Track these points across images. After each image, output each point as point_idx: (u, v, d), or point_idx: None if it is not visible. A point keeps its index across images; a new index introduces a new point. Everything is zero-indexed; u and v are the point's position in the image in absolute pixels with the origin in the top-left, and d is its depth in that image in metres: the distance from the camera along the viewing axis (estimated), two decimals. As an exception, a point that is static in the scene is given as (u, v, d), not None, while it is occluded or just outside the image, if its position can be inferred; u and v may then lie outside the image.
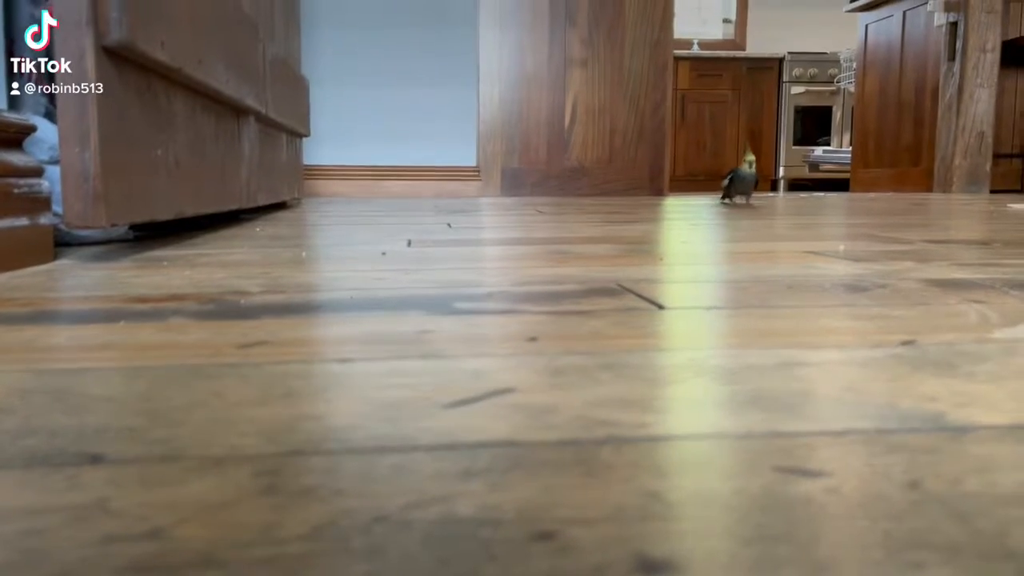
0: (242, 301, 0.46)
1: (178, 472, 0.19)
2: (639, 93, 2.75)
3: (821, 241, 0.84)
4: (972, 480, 0.19)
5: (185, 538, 0.16)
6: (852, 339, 0.34)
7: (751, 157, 1.65)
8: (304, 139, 2.06)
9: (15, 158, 0.66)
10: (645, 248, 0.81)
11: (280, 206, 1.75)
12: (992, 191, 3.19)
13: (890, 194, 3.12)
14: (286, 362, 0.31)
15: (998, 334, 0.35)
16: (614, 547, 0.15)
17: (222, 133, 1.09)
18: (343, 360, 0.32)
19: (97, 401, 0.26)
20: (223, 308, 0.44)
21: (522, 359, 0.31)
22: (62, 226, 0.73)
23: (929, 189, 3.29)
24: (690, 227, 1.16)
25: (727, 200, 1.76)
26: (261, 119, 1.37)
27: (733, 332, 0.37)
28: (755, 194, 1.97)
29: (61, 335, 0.38)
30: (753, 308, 0.43)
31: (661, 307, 0.43)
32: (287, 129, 1.70)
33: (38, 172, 0.68)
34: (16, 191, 0.64)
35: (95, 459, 0.20)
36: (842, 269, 0.59)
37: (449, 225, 1.14)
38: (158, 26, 0.73)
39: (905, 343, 0.33)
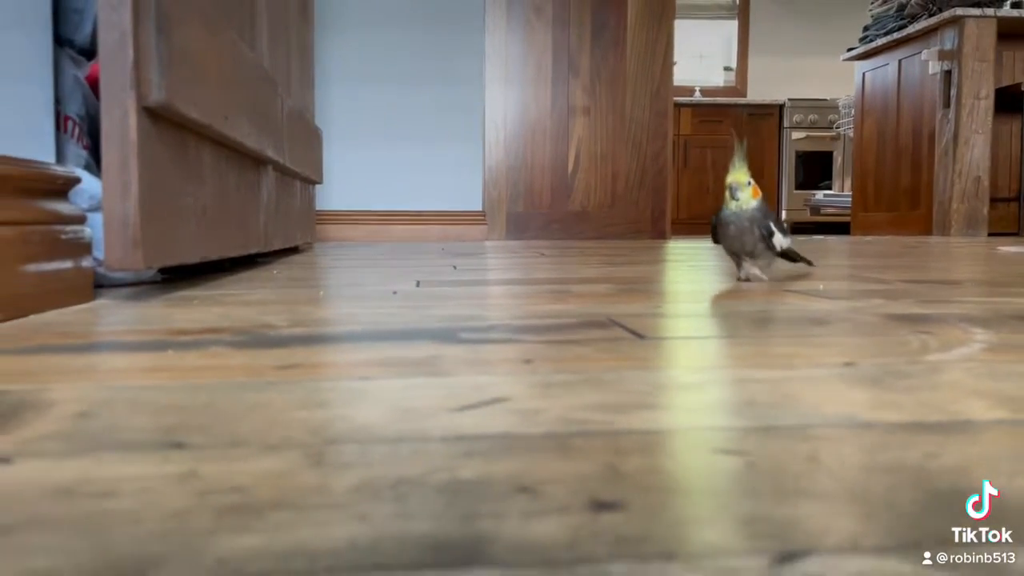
0: (271, 333, 0.52)
1: (245, 453, 0.25)
2: (640, 139, 2.83)
3: (804, 281, 0.89)
4: (862, 457, 0.24)
5: (261, 491, 0.21)
6: (801, 361, 0.40)
7: (738, 177, 0.82)
8: (316, 185, 2.13)
9: (62, 207, 0.72)
10: (638, 288, 0.87)
11: (293, 250, 1.82)
12: (990, 234, 3.25)
13: (888, 237, 3.18)
14: (317, 380, 0.37)
15: (930, 357, 0.41)
16: (575, 495, 0.21)
17: (244, 182, 1.16)
18: (364, 378, 0.37)
19: (167, 408, 0.32)
20: (256, 339, 0.50)
21: (517, 376, 0.37)
22: (99, 269, 0.79)
23: (928, 232, 3.35)
24: (683, 269, 1.22)
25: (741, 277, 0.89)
26: (278, 168, 1.45)
27: (698, 356, 0.43)
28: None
29: (120, 361, 0.44)
30: (722, 338, 0.49)
31: (642, 337, 0.48)
32: (301, 177, 1.77)
33: (81, 220, 0.75)
34: (63, 237, 0.71)
35: (178, 445, 0.26)
36: (814, 306, 0.64)
37: (455, 267, 1.20)
38: (192, 87, 0.80)
39: (846, 364, 0.38)
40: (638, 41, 2.82)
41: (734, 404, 0.31)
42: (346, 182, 2.55)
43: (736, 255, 0.87)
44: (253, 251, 1.24)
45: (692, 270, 1.20)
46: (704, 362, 0.41)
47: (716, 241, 0.88)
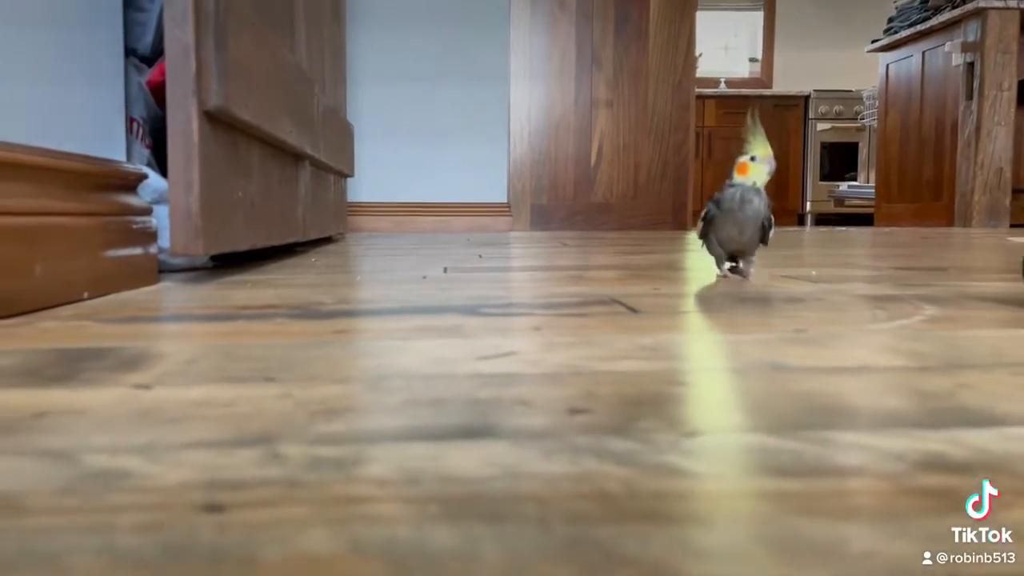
0: (322, 308, 0.61)
1: (321, 384, 0.34)
2: (663, 131, 2.90)
3: (800, 268, 0.97)
4: (769, 385, 0.33)
5: (337, 403, 0.30)
6: (760, 329, 0.48)
7: (760, 150, 0.72)
8: (348, 179, 2.23)
9: (133, 200, 0.82)
10: (645, 273, 0.95)
11: (327, 240, 1.92)
12: (1012, 225, 3.27)
13: (909, 228, 3.22)
14: (365, 340, 0.46)
15: (872, 326, 0.49)
16: (559, 406, 0.30)
17: (285, 177, 1.26)
18: (404, 339, 0.46)
19: (253, 358, 0.41)
20: (309, 312, 0.59)
21: (527, 339, 0.46)
22: (161, 256, 0.89)
23: (950, 223, 3.38)
24: (693, 257, 1.30)
25: (719, 271, 0.81)
26: (315, 163, 1.55)
27: (677, 325, 0.51)
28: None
29: (202, 327, 0.53)
30: (703, 312, 0.57)
31: (636, 311, 0.57)
32: (335, 171, 1.87)
33: (149, 211, 0.85)
34: (134, 227, 0.80)
35: (270, 379, 0.35)
36: (798, 288, 0.72)
37: (480, 256, 1.29)
38: (245, 93, 0.90)
39: (797, 331, 0.47)
40: (660, 34, 2.88)
41: (692, 356, 0.39)
42: (375, 175, 2.64)
43: (723, 246, 0.76)
44: (293, 240, 1.34)
45: (700, 258, 1.27)
46: (680, 329, 0.49)
47: (704, 235, 0.77)
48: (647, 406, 0.29)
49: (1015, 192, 3.33)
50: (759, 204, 0.72)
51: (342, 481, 0.21)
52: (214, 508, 0.19)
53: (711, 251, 0.79)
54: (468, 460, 0.23)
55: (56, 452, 0.24)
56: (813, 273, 0.90)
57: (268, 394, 0.32)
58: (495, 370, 0.37)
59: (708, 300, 0.64)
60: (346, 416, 0.29)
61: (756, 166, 0.72)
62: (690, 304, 0.63)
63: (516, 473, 0.22)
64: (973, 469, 0.22)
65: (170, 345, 0.45)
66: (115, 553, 0.17)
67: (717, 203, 0.74)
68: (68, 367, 0.38)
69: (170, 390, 0.33)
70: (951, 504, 0.19)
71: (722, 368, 0.36)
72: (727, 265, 0.79)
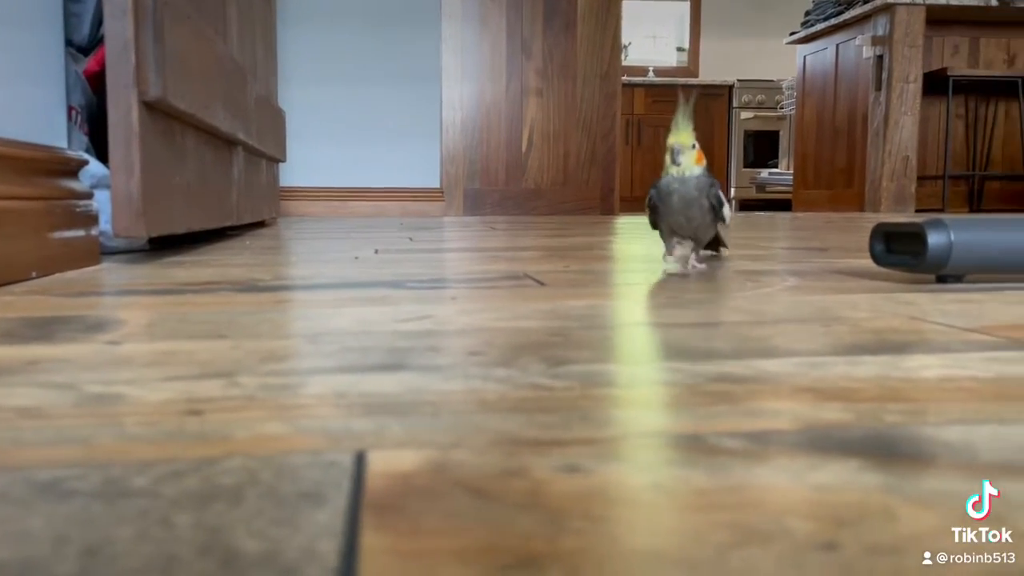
0: (261, 283, 0.68)
1: (266, 339, 0.41)
2: (591, 120, 2.99)
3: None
4: (639, 329, 0.41)
5: (282, 352, 0.37)
6: (639, 297, 0.56)
7: (681, 138, 0.70)
8: (280, 164, 2.26)
9: (75, 185, 0.86)
10: (563, 254, 1.04)
11: (260, 224, 1.95)
12: (917, 210, 3.48)
13: (821, 213, 3.39)
14: (302, 308, 0.53)
15: (738, 294, 0.58)
16: (461, 350, 0.37)
17: (219, 162, 1.30)
18: (336, 307, 0.53)
19: (205, 322, 0.47)
20: (250, 287, 0.65)
21: (443, 306, 0.53)
22: (101, 238, 0.93)
23: (862, 209, 3.57)
24: (612, 239, 1.39)
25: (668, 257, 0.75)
26: (247, 148, 1.59)
27: (571, 295, 0.60)
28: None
29: (153, 300, 0.59)
30: (601, 285, 0.65)
31: (543, 284, 0.65)
32: (267, 156, 1.91)
33: (90, 196, 0.89)
34: (77, 210, 0.85)
35: (222, 336, 0.42)
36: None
37: (411, 239, 1.35)
38: (181, 83, 0.95)
39: (670, 298, 0.55)
40: (588, 25, 2.97)
41: (578, 317, 0.47)
42: (308, 160, 2.67)
43: (676, 233, 0.73)
44: (228, 224, 1.38)
45: (618, 241, 1.37)
46: (576, 298, 0.57)
47: (655, 225, 0.75)
48: (530, 349, 0.37)
49: (920, 179, 3.54)
50: (696, 188, 0.70)
51: (288, 396, 0.29)
52: (195, 412, 0.26)
53: (663, 239, 0.75)
54: (384, 383, 0.30)
55: (59, 384, 0.30)
56: (710, 253, 0.99)
57: (222, 347, 0.39)
58: (413, 329, 0.44)
59: (608, 275, 0.73)
60: (289, 360, 0.36)
61: (688, 154, 0.70)
62: (588, 279, 0.72)
63: (420, 389, 0.29)
64: (749, 381, 0.30)
65: (127, 314, 0.51)
66: (128, 437, 0.24)
67: (657, 191, 0.73)
68: (41, 330, 0.44)
69: (138, 345, 0.40)
70: (721, 399, 0.28)
71: (599, 326, 0.44)
72: (678, 252, 0.74)
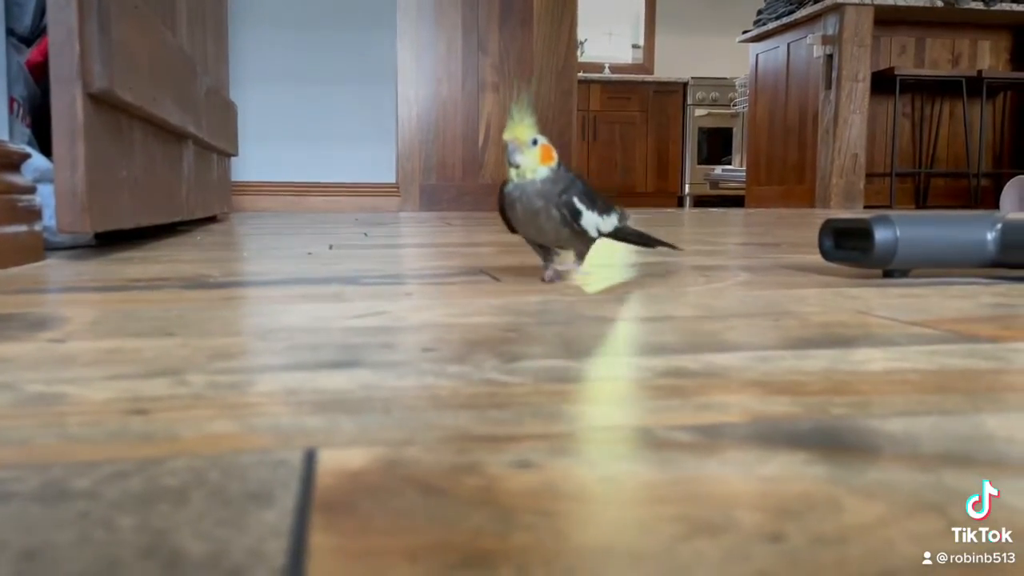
0: (211, 280, 0.66)
1: (216, 336, 0.40)
2: (547, 116, 2.99)
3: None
4: (583, 328, 0.41)
5: (232, 349, 0.37)
6: (600, 293, 0.57)
7: (516, 132, 0.57)
8: (232, 158, 2.23)
9: (17, 179, 0.84)
10: (521, 249, 1.04)
11: (212, 219, 1.92)
12: (866, 206, 3.55)
13: (773, 209, 3.45)
14: (253, 305, 0.52)
15: (690, 289, 0.58)
16: (415, 346, 0.37)
17: (168, 156, 1.28)
18: (288, 303, 0.53)
19: (153, 319, 0.46)
20: (200, 283, 0.64)
21: (398, 302, 0.53)
22: (45, 234, 0.91)
23: (812, 205, 3.64)
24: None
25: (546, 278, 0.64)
26: (198, 142, 1.56)
27: (530, 291, 0.60)
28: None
29: (98, 296, 0.58)
30: (557, 280, 0.65)
31: (498, 280, 0.65)
32: (218, 150, 1.87)
33: (33, 190, 0.86)
34: (19, 205, 0.82)
35: (170, 334, 0.41)
36: (641, 259, 0.82)
37: (366, 235, 1.34)
38: (127, 75, 0.92)
39: (626, 293, 0.56)
40: (544, 22, 2.97)
41: (532, 313, 0.47)
42: (263, 155, 2.63)
43: (539, 246, 0.63)
44: (177, 219, 1.36)
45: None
46: (530, 294, 0.57)
47: (512, 229, 0.63)
48: (484, 345, 0.37)
49: (869, 176, 3.62)
50: (540, 196, 0.58)
51: (237, 395, 0.28)
52: (140, 411, 0.26)
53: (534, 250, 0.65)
54: (336, 380, 0.30)
55: (-3, 384, 0.30)
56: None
57: (170, 344, 0.38)
58: (367, 325, 0.44)
59: (564, 271, 0.73)
60: (238, 357, 0.35)
61: (528, 153, 0.58)
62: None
63: (372, 386, 0.29)
64: (700, 375, 0.30)
65: (71, 311, 0.49)
66: (69, 437, 0.23)
67: (501, 198, 0.61)
68: (-20, 329, 0.42)
69: (82, 343, 0.39)
70: (672, 393, 0.28)
71: (553, 321, 0.44)
72: (550, 272, 0.64)
